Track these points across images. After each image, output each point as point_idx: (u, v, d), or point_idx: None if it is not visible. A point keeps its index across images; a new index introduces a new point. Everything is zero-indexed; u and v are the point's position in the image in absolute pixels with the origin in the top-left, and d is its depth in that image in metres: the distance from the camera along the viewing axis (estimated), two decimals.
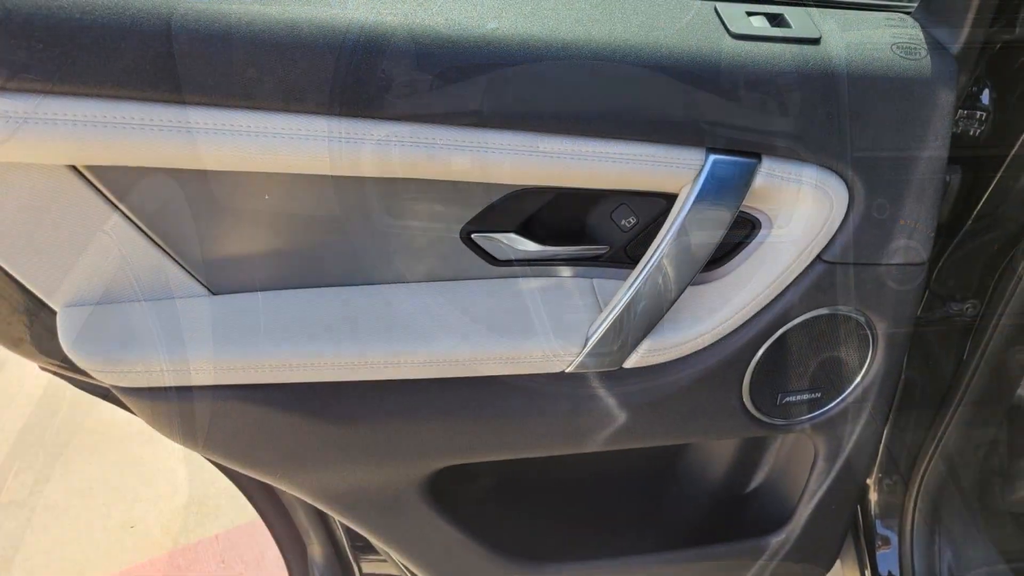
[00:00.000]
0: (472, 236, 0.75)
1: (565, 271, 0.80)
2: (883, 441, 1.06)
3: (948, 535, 1.11)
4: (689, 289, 0.75)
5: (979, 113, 0.79)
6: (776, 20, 0.69)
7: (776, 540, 1.03)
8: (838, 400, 0.88)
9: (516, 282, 0.78)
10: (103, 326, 0.67)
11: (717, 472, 1.10)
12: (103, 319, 0.67)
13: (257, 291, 0.73)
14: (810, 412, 0.89)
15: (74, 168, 0.61)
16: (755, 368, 0.82)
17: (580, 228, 0.79)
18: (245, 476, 0.90)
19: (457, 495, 0.95)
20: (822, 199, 0.71)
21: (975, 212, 0.83)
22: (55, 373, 0.76)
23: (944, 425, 1.00)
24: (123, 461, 2.19)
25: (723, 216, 0.70)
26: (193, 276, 0.70)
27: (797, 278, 0.77)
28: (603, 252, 0.79)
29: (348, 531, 1.07)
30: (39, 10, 0.51)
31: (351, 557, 1.11)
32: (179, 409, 0.72)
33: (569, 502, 1.09)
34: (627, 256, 0.79)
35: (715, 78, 0.65)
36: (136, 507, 2.05)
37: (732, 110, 0.66)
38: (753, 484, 1.09)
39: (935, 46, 0.70)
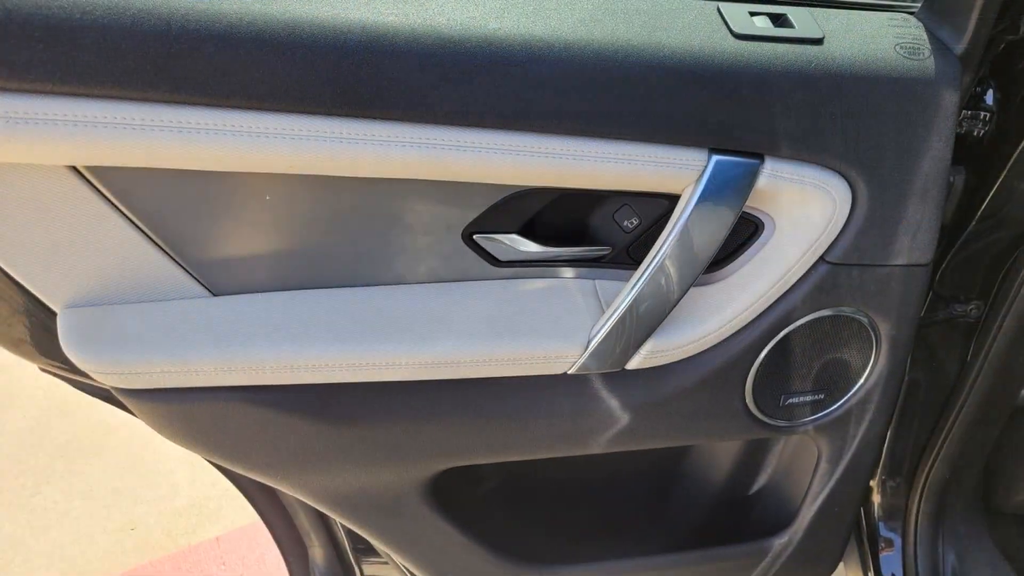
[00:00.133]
0: (474, 237, 0.74)
1: (567, 272, 0.79)
2: (886, 443, 1.06)
3: (952, 537, 1.10)
4: (692, 290, 0.75)
5: (983, 114, 0.78)
6: (779, 20, 0.69)
7: (779, 542, 1.03)
8: (841, 402, 0.88)
9: (518, 283, 0.78)
10: (103, 327, 0.66)
11: (720, 474, 1.10)
12: (103, 320, 0.67)
13: (258, 292, 0.72)
14: (813, 414, 0.89)
15: (74, 169, 0.61)
16: (758, 370, 0.82)
17: (582, 229, 0.79)
18: (246, 478, 0.90)
19: (459, 497, 0.94)
20: (825, 200, 0.71)
21: (979, 213, 0.83)
22: (55, 375, 0.76)
23: (948, 427, 0.99)
24: (123, 463, 2.19)
25: (726, 217, 0.70)
26: (194, 277, 0.70)
27: (800, 279, 0.77)
28: (605, 253, 0.79)
29: (349, 533, 1.07)
30: (39, 10, 0.51)
31: (352, 559, 1.10)
32: (180, 411, 0.71)
33: (571, 504, 1.08)
34: (629, 257, 0.79)
35: (718, 78, 0.64)
36: (137, 509, 2.05)
37: (735, 110, 0.65)
38: (756, 486, 1.09)
39: (938, 46, 0.70)
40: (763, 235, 0.76)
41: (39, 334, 0.70)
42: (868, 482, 1.08)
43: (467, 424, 0.80)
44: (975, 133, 0.79)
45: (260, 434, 0.75)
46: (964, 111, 0.78)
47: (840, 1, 0.74)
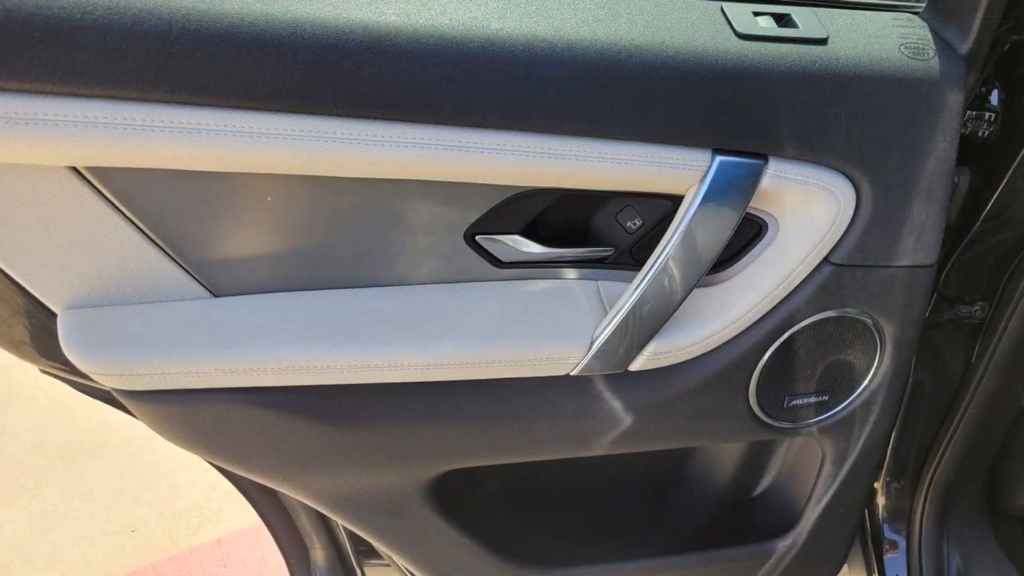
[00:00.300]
0: (476, 238, 0.74)
1: (570, 273, 0.79)
2: (891, 444, 1.05)
3: (956, 539, 1.10)
4: (695, 291, 0.74)
5: (988, 114, 0.78)
6: (783, 20, 0.69)
7: (783, 544, 1.03)
8: (846, 403, 0.88)
9: (520, 284, 0.78)
10: (104, 329, 0.66)
11: (723, 475, 1.09)
12: (104, 322, 0.66)
13: (259, 293, 0.72)
14: (817, 415, 0.88)
15: (75, 169, 0.60)
16: (762, 371, 0.82)
17: (585, 230, 0.79)
18: (247, 480, 0.90)
19: (461, 499, 0.94)
20: (829, 200, 0.71)
21: (984, 214, 0.83)
22: (55, 376, 0.76)
23: (952, 428, 0.99)
24: (124, 465, 2.19)
25: (729, 218, 0.69)
26: (194, 278, 0.69)
27: (804, 280, 0.76)
28: (608, 254, 0.78)
29: (351, 535, 1.07)
30: (39, 10, 0.51)
31: (354, 561, 1.10)
32: (180, 412, 0.71)
33: (574, 506, 1.08)
34: (632, 258, 0.79)
35: (721, 79, 0.64)
36: (137, 511, 2.04)
37: (738, 111, 0.65)
38: (760, 488, 1.08)
39: (943, 46, 0.70)
40: (767, 236, 0.76)
41: (39, 335, 0.69)
42: (872, 484, 1.08)
43: (469, 425, 0.80)
44: (980, 133, 0.79)
45: (261, 436, 0.75)
46: (969, 111, 0.78)
47: (844, 1, 0.74)
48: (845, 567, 1.12)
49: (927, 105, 0.68)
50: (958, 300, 0.92)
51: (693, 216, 0.69)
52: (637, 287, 0.72)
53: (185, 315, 0.68)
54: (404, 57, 0.58)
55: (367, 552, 1.09)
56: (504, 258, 0.76)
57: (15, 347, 0.71)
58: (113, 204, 0.63)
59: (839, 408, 0.88)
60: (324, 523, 1.06)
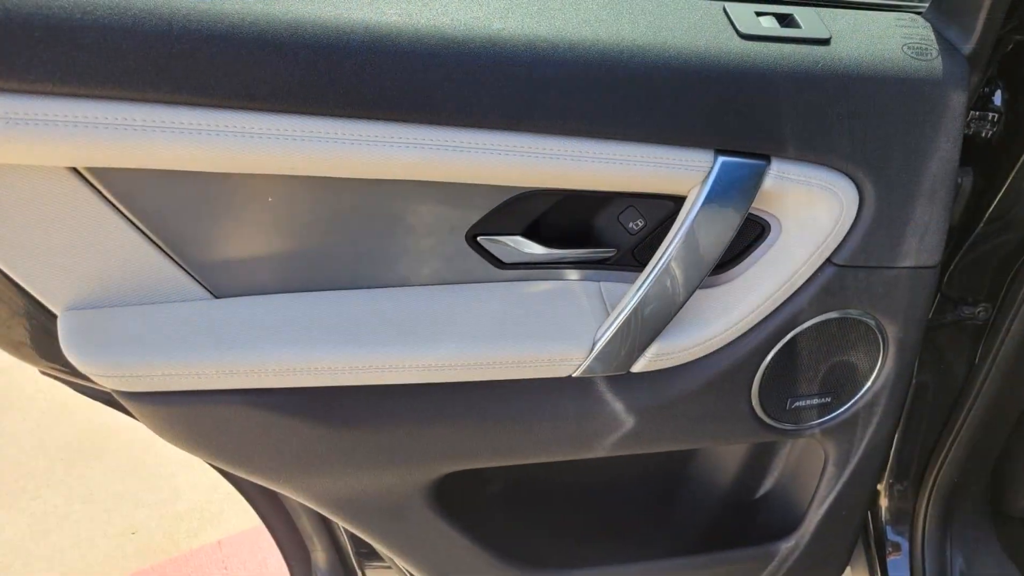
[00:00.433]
0: (478, 239, 0.74)
1: (572, 274, 0.79)
2: (894, 446, 1.05)
3: (960, 541, 1.10)
4: (697, 292, 0.74)
5: (991, 114, 0.78)
6: (786, 20, 0.69)
7: (786, 546, 1.02)
8: (848, 404, 0.87)
9: (522, 285, 0.77)
10: (104, 330, 0.66)
11: (726, 477, 1.09)
12: (104, 323, 0.66)
13: (260, 294, 0.72)
14: (820, 417, 0.88)
15: (75, 170, 0.60)
16: (764, 372, 0.81)
17: (587, 231, 0.79)
18: (248, 481, 0.89)
19: (463, 501, 0.94)
20: (832, 201, 0.70)
21: (987, 214, 0.82)
22: (56, 377, 0.76)
23: (956, 430, 0.99)
24: (124, 466, 2.19)
25: (732, 218, 0.69)
26: (195, 279, 0.69)
27: (807, 281, 0.76)
28: (610, 255, 0.78)
29: (352, 537, 1.06)
30: (39, 10, 0.51)
31: (355, 563, 1.10)
32: (181, 414, 0.71)
33: (576, 508, 1.08)
34: (635, 259, 0.78)
35: (724, 79, 0.64)
36: (138, 513, 2.04)
37: (741, 111, 0.65)
38: (762, 489, 1.08)
39: (946, 47, 0.70)
40: (769, 237, 0.75)
41: (39, 337, 0.69)
42: (875, 486, 1.07)
43: (471, 427, 0.79)
44: (983, 134, 0.79)
45: (262, 437, 0.74)
46: (972, 112, 0.78)
47: (847, 1, 0.73)
48: (848, 569, 1.12)
49: (930, 105, 0.68)
50: (961, 301, 0.91)
51: (695, 217, 0.68)
52: (639, 288, 0.72)
53: (186, 316, 0.68)
54: (405, 57, 0.58)
55: (368, 554, 1.09)
56: (506, 259, 0.76)
57: (15, 348, 0.71)
58: (113, 205, 0.63)
59: (842, 410, 0.88)
60: (325, 525, 1.06)
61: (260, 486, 0.90)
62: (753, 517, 1.07)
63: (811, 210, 0.71)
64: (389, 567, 1.05)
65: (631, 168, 0.65)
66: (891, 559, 1.10)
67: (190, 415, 0.71)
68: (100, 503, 2.06)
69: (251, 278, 0.71)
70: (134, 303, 0.68)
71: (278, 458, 0.77)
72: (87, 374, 0.66)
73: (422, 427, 0.78)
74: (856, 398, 0.87)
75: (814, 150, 0.68)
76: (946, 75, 0.68)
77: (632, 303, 0.72)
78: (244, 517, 2.03)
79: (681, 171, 0.67)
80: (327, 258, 0.72)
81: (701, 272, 0.72)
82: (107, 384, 0.67)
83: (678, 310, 0.74)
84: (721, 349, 0.79)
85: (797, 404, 0.86)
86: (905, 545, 1.10)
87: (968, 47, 0.69)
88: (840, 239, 0.73)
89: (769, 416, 0.86)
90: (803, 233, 0.73)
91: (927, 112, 0.68)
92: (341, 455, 0.78)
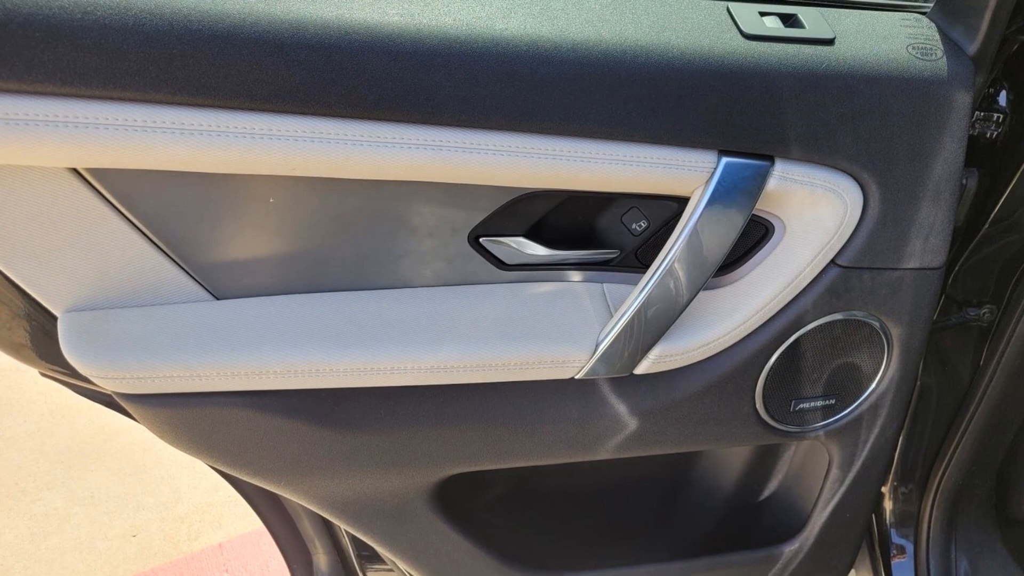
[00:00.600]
0: (480, 240, 0.74)
1: (575, 276, 0.79)
2: (898, 448, 1.05)
3: (964, 544, 1.09)
4: (701, 294, 0.74)
5: (996, 115, 0.78)
6: (789, 21, 0.68)
7: (790, 549, 1.02)
8: (853, 407, 0.87)
9: (525, 287, 0.77)
10: (105, 331, 0.66)
11: (730, 480, 1.09)
12: (105, 324, 0.66)
13: (261, 296, 0.72)
14: (824, 419, 0.88)
15: (75, 171, 0.60)
16: (768, 374, 0.81)
17: (590, 232, 0.78)
18: (249, 484, 0.89)
19: (465, 503, 0.94)
20: (836, 202, 0.70)
21: (992, 215, 0.82)
22: (56, 379, 0.75)
23: (960, 432, 0.98)
24: (125, 469, 2.18)
25: (735, 219, 0.69)
26: (196, 280, 0.69)
27: (811, 283, 0.76)
28: (613, 256, 0.78)
29: (354, 540, 1.06)
30: (39, 10, 0.51)
31: (357, 566, 1.10)
32: (182, 416, 0.71)
33: (579, 510, 1.07)
34: (638, 260, 0.78)
35: (727, 79, 0.64)
36: (138, 515, 2.04)
37: (745, 112, 0.65)
38: (766, 492, 1.08)
39: (951, 47, 0.69)
40: (773, 238, 0.75)
41: (40, 338, 0.69)
42: (880, 488, 1.07)
43: (474, 429, 0.79)
44: (988, 135, 0.78)
45: (263, 439, 0.74)
46: (977, 112, 0.77)
47: (851, 1, 0.73)
48: (852, 572, 1.11)
49: (935, 106, 0.68)
50: (966, 303, 0.91)
51: (699, 218, 0.68)
52: (642, 290, 0.71)
53: (186, 318, 0.68)
54: (407, 58, 0.57)
55: (370, 557, 1.08)
56: (508, 260, 0.76)
57: (15, 350, 0.71)
58: (114, 206, 0.63)
59: (846, 412, 0.87)
60: (327, 527, 1.06)
61: (261, 488, 0.90)
62: (757, 520, 1.07)
63: (815, 211, 0.71)
64: (391, 570, 1.05)
65: (634, 169, 0.65)
66: (896, 562, 1.10)
67: (191, 417, 0.71)
68: (100, 506, 2.06)
69: (252, 279, 0.71)
70: (135, 304, 0.68)
71: (279, 460, 0.76)
72: (87, 376, 0.66)
73: (424, 429, 0.78)
74: (860, 400, 0.87)
75: (818, 151, 0.67)
76: (951, 76, 0.67)
77: (635, 305, 0.72)
78: (245, 520, 2.02)
79: (685, 172, 0.66)
80: (329, 259, 0.72)
81: (705, 273, 0.71)
82: (107, 386, 0.67)
83: (682, 312, 0.73)
84: (725, 351, 0.79)
85: (801, 406, 0.85)
86: (910, 548, 1.10)
87: (973, 48, 0.69)
88: (844, 240, 0.73)
89: (773, 418, 0.85)
90: (807, 234, 0.73)
91: (932, 113, 0.68)
92: (343, 457, 0.77)
